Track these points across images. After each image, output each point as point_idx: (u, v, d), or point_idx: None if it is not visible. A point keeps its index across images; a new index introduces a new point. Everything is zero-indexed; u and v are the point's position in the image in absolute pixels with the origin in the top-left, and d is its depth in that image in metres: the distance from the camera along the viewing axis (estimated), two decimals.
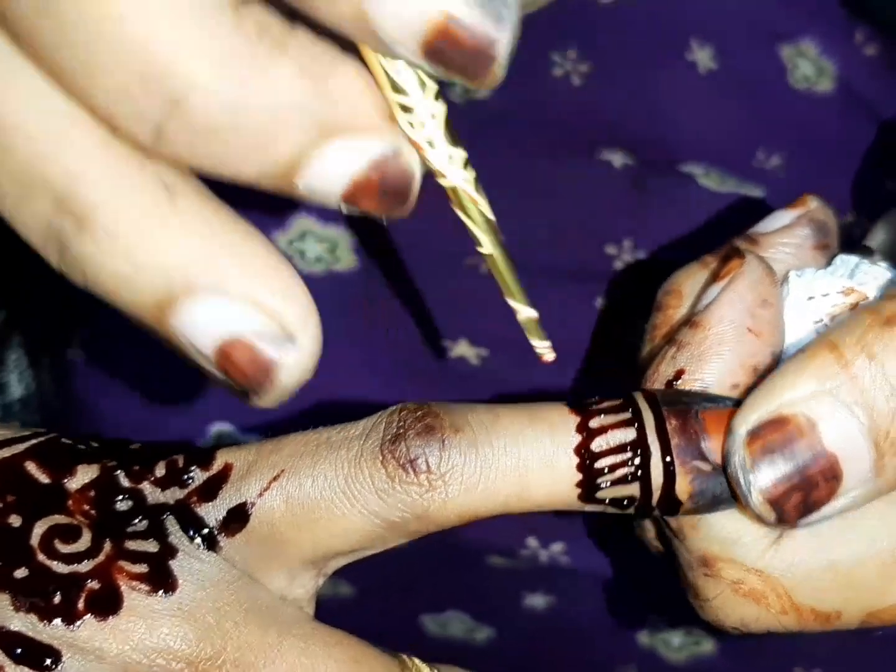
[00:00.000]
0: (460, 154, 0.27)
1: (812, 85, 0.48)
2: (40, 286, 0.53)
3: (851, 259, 0.36)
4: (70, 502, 0.32)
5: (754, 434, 0.32)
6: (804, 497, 0.32)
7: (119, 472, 0.33)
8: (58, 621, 0.31)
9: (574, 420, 0.33)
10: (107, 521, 0.32)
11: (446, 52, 0.25)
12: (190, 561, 0.32)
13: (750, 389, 0.34)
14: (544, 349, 0.31)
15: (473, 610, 0.55)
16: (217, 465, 0.33)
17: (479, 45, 0.25)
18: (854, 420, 0.32)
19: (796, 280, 0.36)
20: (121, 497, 0.33)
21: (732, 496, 0.33)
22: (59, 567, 0.31)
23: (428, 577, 0.54)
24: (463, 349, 0.50)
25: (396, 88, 0.26)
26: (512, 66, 0.43)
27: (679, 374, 0.35)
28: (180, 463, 0.33)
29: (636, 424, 0.33)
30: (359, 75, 0.26)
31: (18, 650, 0.30)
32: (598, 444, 0.33)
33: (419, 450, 0.32)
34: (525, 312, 0.30)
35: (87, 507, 0.32)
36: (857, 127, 0.49)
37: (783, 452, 0.32)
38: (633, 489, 0.33)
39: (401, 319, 0.49)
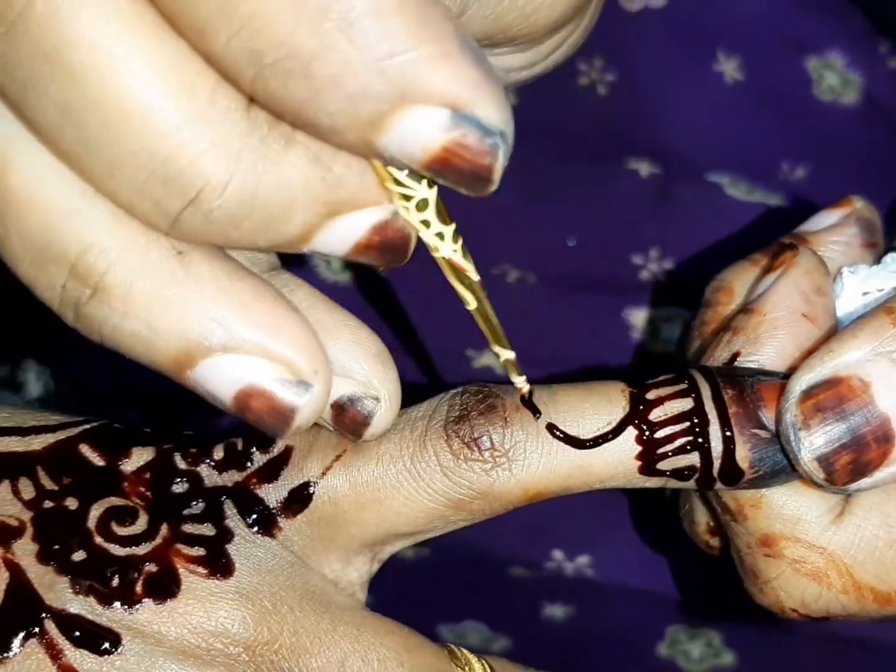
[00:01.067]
0: (450, 229, 0.29)
1: (838, 97, 0.48)
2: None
3: None
4: (126, 484, 0.32)
5: (807, 394, 0.32)
6: (855, 458, 0.32)
7: (176, 454, 0.33)
8: (117, 605, 0.30)
9: (630, 392, 0.33)
10: (163, 503, 0.32)
11: (446, 174, 0.26)
12: (246, 545, 0.32)
13: None
14: (522, 384, 0.33)
15: (491, 620, 0.55)
16: (278, 448, 0.33)
17: (476, 169, 0.26)
18: None
19: (850, 276, 0.36)
20: (177, 480, 0.33)
21: (785, 456, 0.33)
22: (117, 550, 0.31)
23: (447, 586, 0.54)
24: (489, 358, 0.50)
25: (395, 181, 0.28)
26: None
27: (734, 357, 0.35)
28: (239, 445, 0.33)
29: (693, 394, 0.33)
30: (360, 159, 0.28)
31: (77, 633, 0.30)
32: (655, 415, 0.33)
33: (483, 428, 0.32)
34: (505, 355, 0.33)
35: (142, 490, 0.32)
36: (881, 139, 0.49)
37: (835, 411, 0.32)
38: (693, 458, 0.33)
39: (426, 330, 0.49)
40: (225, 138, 0.26)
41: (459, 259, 0.29)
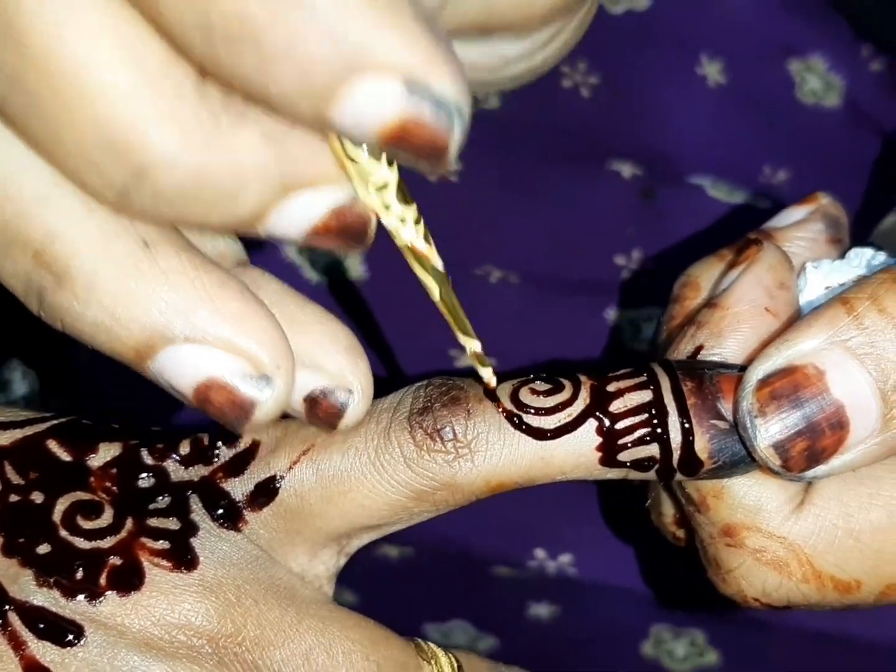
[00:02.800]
0: (412, 213, 0.28)
1: (820, 100, 0.48)
2: None
3: (866, 251, 0.37)
4: (92, 479, 0.33)
5: (764, 382, 0.33)
6: (810, 445, 0.32)
7: (142, 449, 0.33)
8: (81, 597, 0.31)
9: (592, 385, 0.33)
10: (129, 498, 0.32)
11: (401, 149, 0.26)
12: (211, 539, 0.32)
13: None
14: (488, 377, 0.33)
15: (477, 619, 0.55)
16: (244, 442, 0.33)
17: (432, 144, 0.26)
18: (862, 371, 0.32)
19: (813, 271, 0.37)
20: (144, 475, 0.33)
21: (743, 446, 0.33)
22: (82, 543, 0.31)
23: (432, 586, 0.54)
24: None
25: (351, 158, 0.27)
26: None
27: (698, 350, 0.35)
28: (205, 441, 0.34)
29: (652, 386, 0.33)
30: (315, 136, 0.27)
31: (41, 625, 0.30)
32: (615, 407, 0.33)
33: (445, 420, 0.33)
34: (471, 346, 0.33)
35: (108, 485, 0.33)
36: (863, 142, 0.49)
37: (790, 399, 0.32)
38: (653, 450, 0.33)
39: (409, 329, 0.49)
40: (175, 111, 0.25)
41: (422, 245, 0.29)
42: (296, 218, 0.28)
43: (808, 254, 0.38)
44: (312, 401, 0.31)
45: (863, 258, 0.37)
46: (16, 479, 0.32)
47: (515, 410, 0.33)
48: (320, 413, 0.31)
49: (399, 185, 0.28)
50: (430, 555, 0.53)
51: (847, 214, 0.40)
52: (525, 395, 0.33)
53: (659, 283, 0.47)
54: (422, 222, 0.29)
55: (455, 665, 0.34)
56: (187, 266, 0.28)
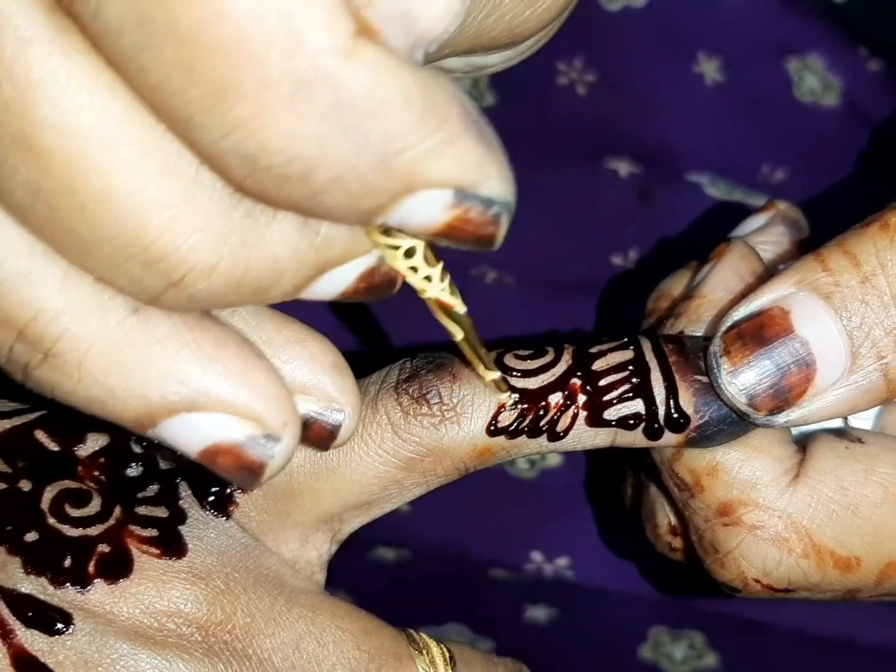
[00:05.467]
0: (437, 271, 0.28)
1: (818, 99, 0.48)
2: None
3: None
4: (80, 468, 0.33)
5: (732, 326, 0.33)
6: (776, 384, 0.32)
7: (131, 439, 0.33)
8: (69, 585, 0.31)
9: (574, 349, 0.34)
10: (117, 487, 0.32)
11: (449, 241, 0.26)
12: (200, 526, 0.32)
13: None
14: (506, 399, 0.33)
15: (473, 623, 0.55)
16: None
17: (479, 238, 0.25)
18: (828, 309, 0.32)
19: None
20: (132, 463, 0.33)
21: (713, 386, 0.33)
22: (70, 531, 0.31)
23: (428, 589, 0.54)
24: None
25: (383, 232, 0.27)
26: (517, 75, 0.44)
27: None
28: None
29: (632, 346, 0.34)
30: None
31: (30, 613, 0.30)
32: (598, 365, 0.33)
33: (431, 384, 0.33)
34: (491, 376, 0.33)
35: (96, 474, 0.33)
36: (861, 142, 0.49)
37: (755, 337, 0.32)
38: (638, 405, 0.33)
39: (410, 334, 0.49)
40: (210, 220, 0.24)
41: (447, 298, 0.29)
42: (327, 289, 0.27)
43: (773, 258, 0.38)
44: (304, 425, 0.30)
45: None
46: (3, 467, 0.32)
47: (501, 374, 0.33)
48: (312, 437, 0.30)
49: (425, 251, 0.28)
50: (426, 557, 0.53)
51: (845, 216, 0.40)
52: (509, 360, 0.34)
53: (656, 283, 0.47)
54: (447, 279, 0.29)
55: (447, 655, 0.34)
56: (181, 329, 0.27)
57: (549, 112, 0.48)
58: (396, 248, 0.27)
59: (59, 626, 0.30)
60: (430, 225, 0.25)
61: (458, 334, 0.31)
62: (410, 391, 0.33)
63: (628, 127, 0.48)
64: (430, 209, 0.24)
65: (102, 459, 0.33)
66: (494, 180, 0.25)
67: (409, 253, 0.27)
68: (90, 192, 0.24)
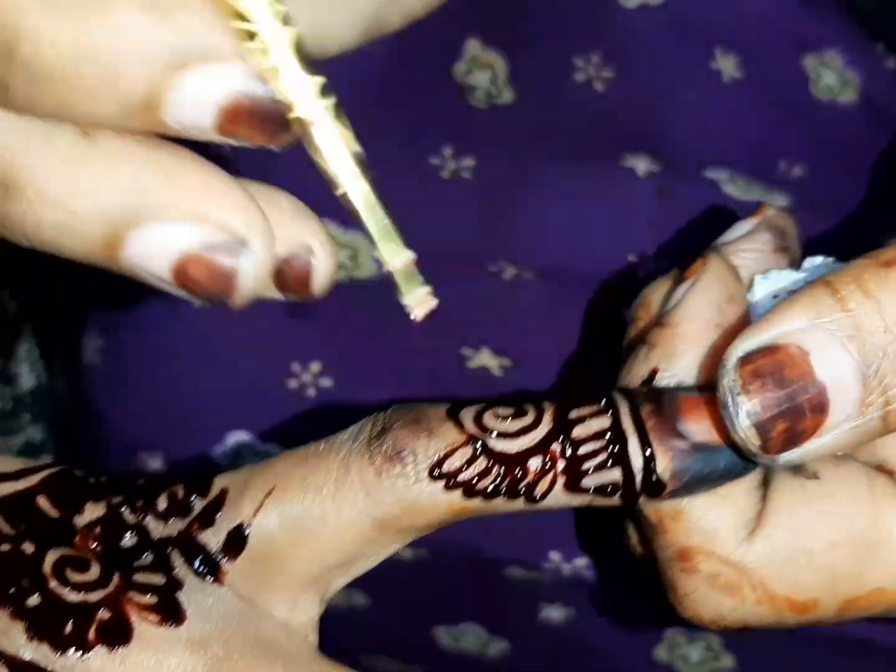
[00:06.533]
0: (315, 81, 0.26)
1: (835, 96, 0.48)
2: (56, 282, 0.53)
3: (817, 259, 0.37)
4: (77, 538, 0.33)
5: (746, 359, 0.32)
6: (790, 426, 0.32)
7: (124, 508, 0.33)
8: (70, 651, 0.30)
9: (554, 411, 0.33)
10: (114, 556, 0.32)
11: None
12: (195, 593, 0.32)
13: None
14: (422, 296, 0.29)
15: (488, 622, 0.54)
16: (214, 491, 0.33)
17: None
18: (846, 354, 0.32)
19: (762, 282, 0.37)
20: (127, 534, 0.33)
21: (705, 463, 0.33)
22: (71, 595, 0.31)
23: (444, 588, 0.54)
24: (485, 359, 0.49)
25: (239, 14, 0.25)
26: (534, 71, 0.44)
27: (653, 374, 0.35)
28: (180, 494, 0.33)
29: (610, 411, 0.33)
30: (205, 6, 0.26)
31: None
32: (577, 433, 0.33)
33: (405, 441, 0.32)
34: (399, 259, 0.28)
35: (93, 544, 0.33)
36: (879, 138, 0.49)
37: (775, 378, 0.32)
38: (615, 475, 0.33)
39: (419, 328, 0.49)
40: None
41: (327, 119, 0.26)
42: (199, 100, 0.26)
43: (755, 265, 0.38)
44: (278, 274, 0.29)
45: (813, 264, 0.37)
46: (7, 529, 0.32)
47: (479, 433, 0.32)
48: (291, 283, 0.29)
49: (297, 50, 0.25)
50: (443, 556, 0.52)
51: (863, 213, 0.40)
52: (489, 419, 0.33)
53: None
54: (332, 100, 0.26)
55: None
56: (133, 146, 0.27)
57: (567, 109, 0.47)
58: (254, 37, 0.25)
59: None
60: None
61: (347, 184, 0.27)
62: (384, 449, 0.32)
63: (646, 123, 0.48)
64: None
65: (98, 529, 0.33)
66: None
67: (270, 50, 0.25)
68: None
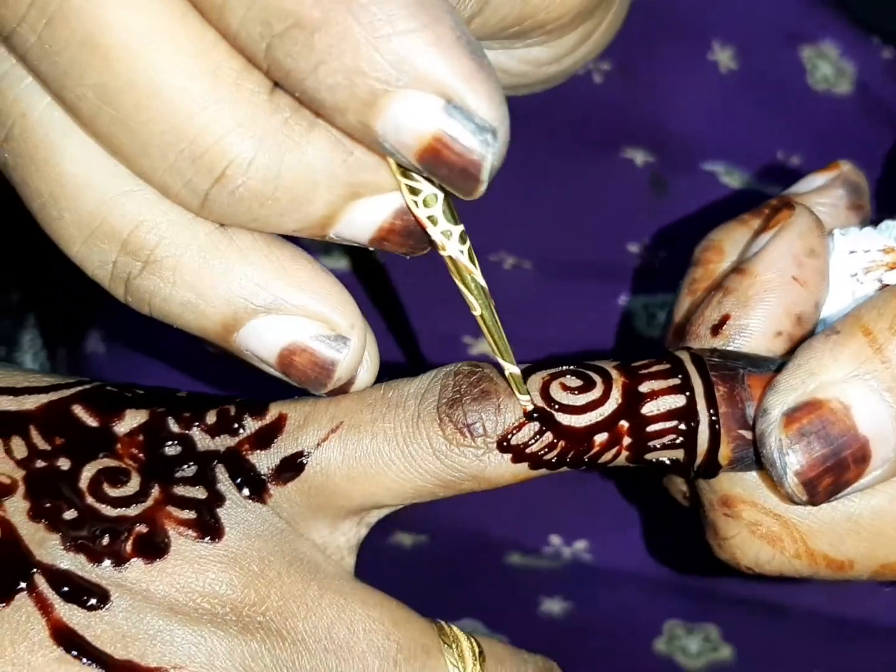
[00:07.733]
0: (458, 229, 0.30)
1: (831, 86, 0.48)
2: (62, 277, 0.53)
3: (894, 222, 0.37)
4: (118, 446, 0.33)
5: (790, 416, 0.32)
6: (835, 479, 0.32)
7: (169, 417, 0.33)
8: (106, 562, 0.31)
9: (624, 384, 0.33)
10: (155, 465, 0.32)
11: (436, 168, 0.27)
12: (237, 510, 0.32)
13: (793, 338, 0.35)
14: (526, 402, 0.33)
15: (488, 617, 0.54)
16: (271, 416, 0.33)
17: (465, 165, 0.27)
18: (885, 405, 0.32)
19: (840, 238, 0.37)
20: (170, 442, 0.33)
21: (768, 475, 0.33)
22: (108, 510, 0.31)
23: (443, 582, 0.54)
24: (486, 346, 0.50)
25: (405, 173, 0.29)
26: None
27: (724, 320, 0.35)
28: (232, 412, 0.33)
29: (686, 392, 0.33)
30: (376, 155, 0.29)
31: (67, 588, 0.30)
32: (648, 409, 0.33)
33: (476, 414, 0.33)
34: (510, 370, 0.33)
35: (135, 451, 0.33)
36: (875, 129, 0.49)
37: (819, 436, 0.32)
38: (679, 454, 0.33)
39: (424, 314, 0.49)
40: (249, 119, 0.28)
41: (465, 261, 0.30)
42: (363, 221, 0.30)
43: (828, 220, 0.38)
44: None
45: (893, 229, 0.37)
46: (42, 444, 0.32)
47: (547, 408, 0.33)
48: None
49: (447, 202, 0.29)
50: (443, 542, 0.52)
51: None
52: (556, 391, 0.33)
53: (672, 270, 0.47)
54: (468, 242, 0.30)
55: (476, 650, 0.34)
56: (260, 243, 0.30)
57: (566, 100, 0.48)
58: (416, 192, 0.29)
59: (96, 601, 0.30)
60: (419, 135, 0.27)
61: (476, 309, 0.31)
62: (454, 419, 0.33)
63: (644, 115, 0.48)
64: (419, 115, 0.26)
65: (141, 437, 0.33)
66: (483, 100, 0.27)
67: (429, 203, 0.29)
68: (145, 88, 0.27)
